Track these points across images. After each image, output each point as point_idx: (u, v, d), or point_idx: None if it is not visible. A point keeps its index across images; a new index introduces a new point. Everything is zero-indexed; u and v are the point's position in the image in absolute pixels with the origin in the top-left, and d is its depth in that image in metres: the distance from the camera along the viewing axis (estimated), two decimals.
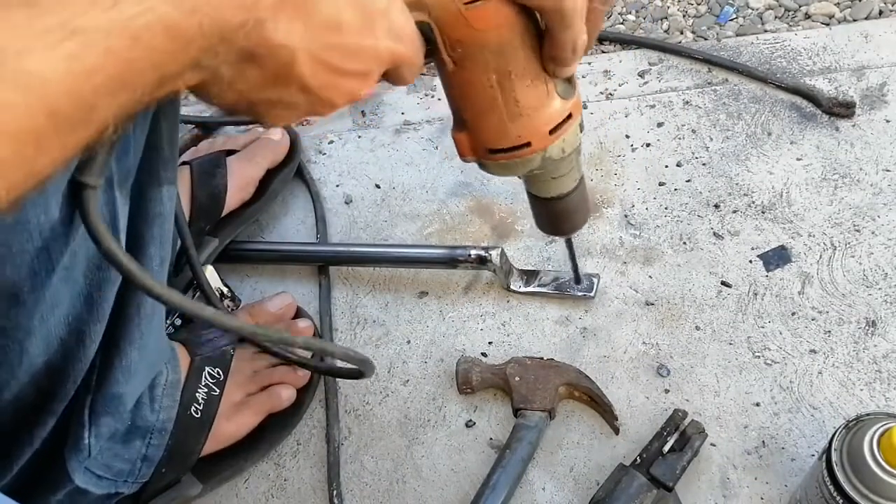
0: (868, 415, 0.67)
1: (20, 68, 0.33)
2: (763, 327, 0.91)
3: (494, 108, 0.60)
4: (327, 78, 0.47)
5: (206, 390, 0.82)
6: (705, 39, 1.18)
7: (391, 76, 0.54)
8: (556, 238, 0.94)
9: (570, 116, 0.63)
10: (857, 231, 0.96)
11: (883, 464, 0.63)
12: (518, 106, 0.60)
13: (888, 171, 1.00)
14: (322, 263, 1.01)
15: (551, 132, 0.62)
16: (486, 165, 0.65)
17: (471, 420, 0.89)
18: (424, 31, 0.55)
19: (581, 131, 0.66)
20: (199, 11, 0.39)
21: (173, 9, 0.38)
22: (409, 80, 0.55)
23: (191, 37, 0.39)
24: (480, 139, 0.63)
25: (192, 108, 1.10)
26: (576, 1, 0.54)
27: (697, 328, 0.92)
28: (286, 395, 0.87)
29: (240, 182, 0.99)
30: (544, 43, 0.58)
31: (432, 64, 0.60)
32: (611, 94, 1.12)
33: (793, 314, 0.91)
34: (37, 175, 0.37)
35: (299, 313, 0.95)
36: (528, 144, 0.62)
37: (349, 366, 0.70)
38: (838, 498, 0.66)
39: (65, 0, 0.35)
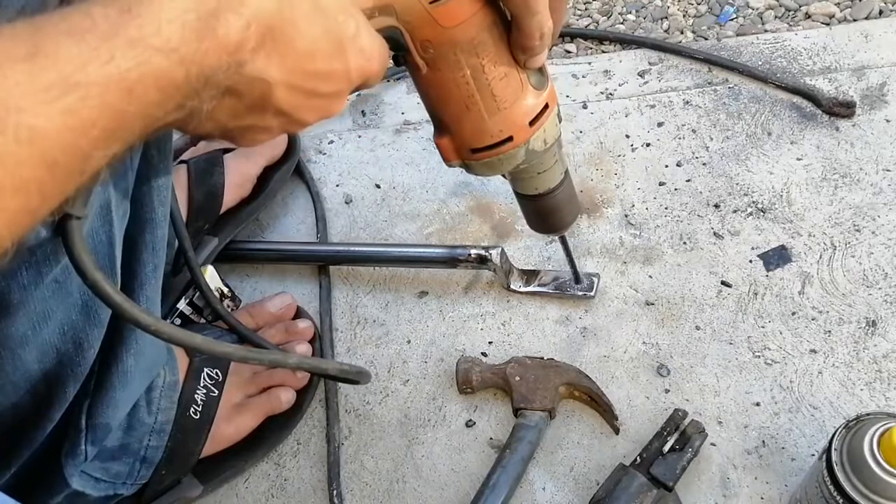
0: (868, 414, 0.67)
1: (21, 123, 0.34)
2: (763, 327, 0.91)
3: (472, 106, 0.61)
4: (301, 101, 0.48)
5: (204, 391, 0.82)
6: (705, 39, 1.18)
7: (360, 88, 0.55)
8: (554, 238, 0.95)
9: (546, 107, 0.64)
10: (858, 231, 0.96)
11: (883, 464, 0.63)
12: (495, 100, 0.60)
13: (888, 170, 1.00)
14: (322, 263, 1.01)
15: (531, 123, 0.63)
16: (472, 166, 0.66)
17: (471, 420, 0.89)
18: (394, 36, 0.56)
19: (559, 122, 0.66)
20: (186, 61, 0.39)
21: (164, 60, 0.38)
22: (374, 85, 0.56)
23: (178, 85, 0.40)
24: (463, 140, 0.64)
25: None
26: None
27: (697, 328, 0.92)
28: (286, 399, 0.87)
29: (237, 179, 0.99)
30: (512, 33, 0.59)
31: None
32: (611, 93, 1.12)
33: (793, 314, 0.91)
34: (37, 221, 0.38)
35: (299, 313, 0.95)
36: (511, 139, 0.63)
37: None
38: (838, 498, 0.66)
39: (64, 55, 0.36)
